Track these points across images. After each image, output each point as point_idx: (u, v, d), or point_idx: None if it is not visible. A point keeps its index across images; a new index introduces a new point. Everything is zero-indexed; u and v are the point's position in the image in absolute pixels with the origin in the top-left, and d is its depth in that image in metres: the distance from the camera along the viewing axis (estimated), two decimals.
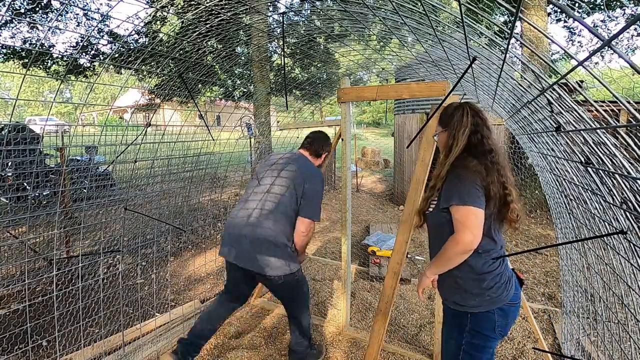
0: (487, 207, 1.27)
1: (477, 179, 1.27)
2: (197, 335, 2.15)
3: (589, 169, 1.20)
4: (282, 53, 3.86)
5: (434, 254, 1.42)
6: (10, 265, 3.68)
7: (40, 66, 7.34)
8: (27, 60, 6.70)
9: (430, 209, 1.44)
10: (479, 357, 1.37)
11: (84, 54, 7.08)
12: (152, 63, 3.38)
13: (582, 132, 1.19)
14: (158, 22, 6.08)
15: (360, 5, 2.05)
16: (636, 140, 0.94)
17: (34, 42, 7.24)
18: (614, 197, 1.12)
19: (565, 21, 9.90)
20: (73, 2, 6.76)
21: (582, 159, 1.19)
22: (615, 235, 1.12)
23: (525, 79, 1.64)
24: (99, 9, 7.83)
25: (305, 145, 2.28)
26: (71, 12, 7.79)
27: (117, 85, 2.57)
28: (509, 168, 1.38)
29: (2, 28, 6.91)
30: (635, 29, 9.21)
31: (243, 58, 6.59)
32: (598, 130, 1.09)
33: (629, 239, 1.02)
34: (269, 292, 3.16)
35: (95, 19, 7.68)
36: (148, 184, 4.04)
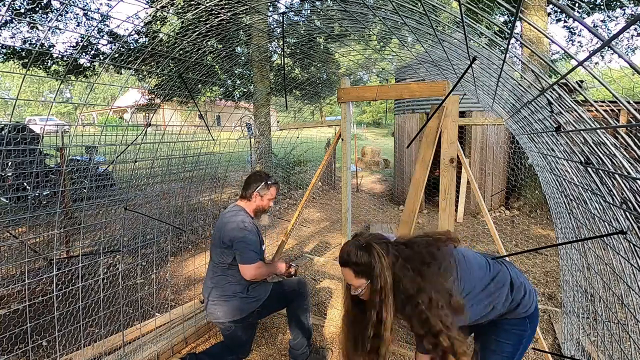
0: None
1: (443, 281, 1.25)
2: None
3: (589, 169, 1.20)
4: (282, 53, 3.86)
5: None
6: (10, 265, 3.68)
7: (40, 66, 7.33)
8: (27, 60, 6.69)
9: None
10: None
11: (84, 54, 7.07)
12: (152, 63, 3.37)
13: (582, 132, 1.19)
14: (158, 22, 6.07)
15: (360, 5, 2.05)
16: (636, 140, 0.94)
17: (34, 42, 7.23)
18: (614, 197, 1.12)
19: (565, 21, 9.89)
20: (73, 2, 6.76)
21: (582, 159, 1.19)
22: (615, 235, 1.12)
23: (525, 79, 1.64)
24: (99, 9, 7.83)
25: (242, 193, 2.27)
26: (71, 12, 7.79)
27: (117, 85, 2.58)
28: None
29: (2, 28, 6.91)
30: (635, 29, 9.20)
31: (243, 58, 6.58)
32: (598, 130, 1.09)
33: (629, 239, 1.02)
34: None
35: (95, 19, 7.68)
36: (148, 184, 4.04)
